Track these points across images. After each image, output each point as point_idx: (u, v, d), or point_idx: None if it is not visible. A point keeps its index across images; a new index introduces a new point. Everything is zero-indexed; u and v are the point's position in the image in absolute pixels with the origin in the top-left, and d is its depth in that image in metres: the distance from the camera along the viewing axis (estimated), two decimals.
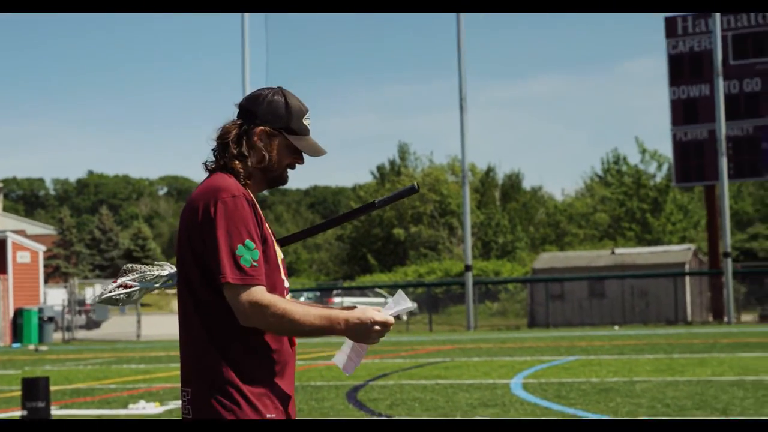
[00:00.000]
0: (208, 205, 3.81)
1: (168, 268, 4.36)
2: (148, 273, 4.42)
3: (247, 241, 3.77)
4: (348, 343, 3.97)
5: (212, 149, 3.99)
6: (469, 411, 13.10)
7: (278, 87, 4.05)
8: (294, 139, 3.97)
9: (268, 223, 4.03)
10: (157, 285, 4.40)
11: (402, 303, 3.95)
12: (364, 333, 3.82)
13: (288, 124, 3.96)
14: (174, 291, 4.40)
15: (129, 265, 4.41)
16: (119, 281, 4.38)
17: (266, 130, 3.94)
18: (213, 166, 3.97)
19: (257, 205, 3.90)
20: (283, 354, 3.93)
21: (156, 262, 4.44)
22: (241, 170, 3.90)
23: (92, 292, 53.98)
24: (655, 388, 14.99)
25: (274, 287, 3.88)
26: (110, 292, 4.37)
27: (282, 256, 4.07)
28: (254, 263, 3.77)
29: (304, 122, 4.01)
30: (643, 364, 19.38)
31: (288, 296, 4.02)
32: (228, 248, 3.75)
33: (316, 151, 4.03)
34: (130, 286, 4.36)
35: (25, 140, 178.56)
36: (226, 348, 3.82)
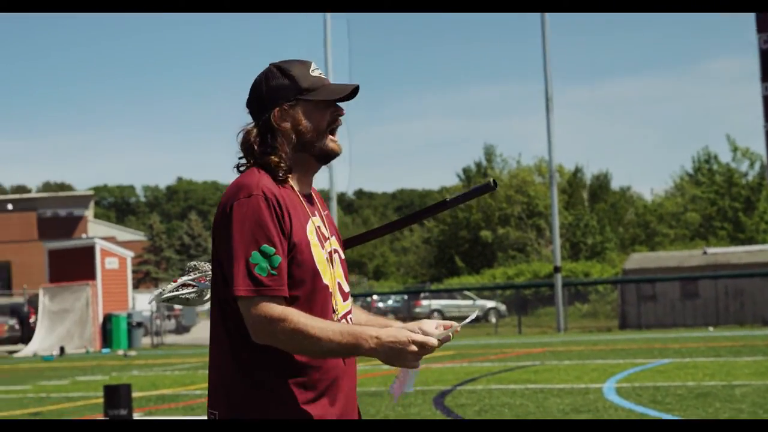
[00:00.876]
0: (225, 207, 3.42)
1: None
2: (209, 273, 4.05)
3: (265, 246, 3.34)
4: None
5: (239, 158, 3.58)
6: (561, 417, 12.64)
7: (268, 65, 3.62)
8: (313, 95, 3.52)
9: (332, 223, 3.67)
10: None
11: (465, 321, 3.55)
12: (397, 354, 3.31)
13: (298, 86, 3.52)
14: None
15: (193, 263, 4.05)
16: (180, 280, 4.03)
17: (282, 107, 3.51)
18: (245, 167, 3.55)
19: (297, 202, 3.48)
20: (330, 370, 3.46)
21: None
22: (280, 163, 3.47)
23: None
24: (756, 392, 14.39)
25: (313, 294, 3.43)
26: (172, 291, 4.03)
27: (342, 257, 3.65)
28: (272, 271, 3.33)
29: (313, 74, 3.56)
30: (741, 367, 18.73)
31: (347, 301, 3.60)
32: (242, 255, 3.33)
33: (342, 90, 3.56)
34: (192, 286, 4.01)
35: (115, 148, 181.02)
36: (255, 364, 3.39)
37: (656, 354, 23.73)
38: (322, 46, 43.20)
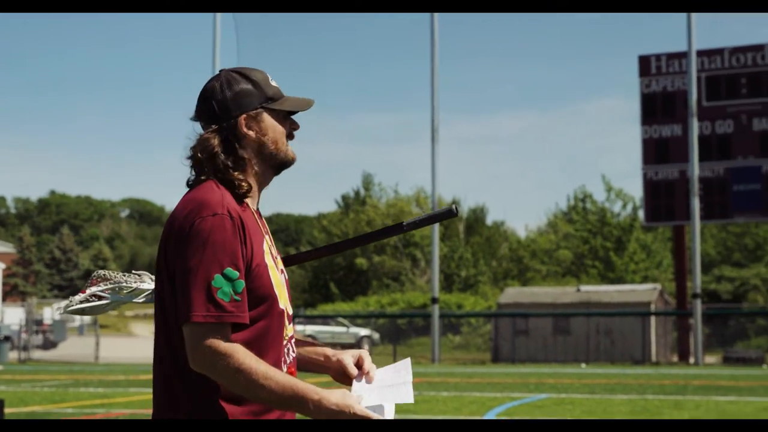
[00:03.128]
0: (185, 225, 3.13)
1: (148, 281, 3.66)
2: (125, 285, 3.76)
3: (229, 270, 3.09)
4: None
5: (192, 167, 3.30)
6: None
7: (220, 71, 3.38)
8: (278, 104, 3.34)
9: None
10: (139, 300, 3.77)
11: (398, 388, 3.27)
12: (337, 416, 3.08)
13: (264, 93, 3.32)
14: (134, 312, 3.82)
15: (102, 272, 3.68)
16: (89, 291, 3.74)
17: (249, 114, 3.29)
18: (202, 179, 3.27)
19: (253, 221, 3.25)
20: None
21: (134, 272, 3.73)
22: (244, 181, 3.25)
23: (50, 311, 53.21)
24: None
25: (271, 320, 3.22)
26: (80, 303, 3.75)
27: (286, 277, 3.43)
28: (235, 296, 3.09)
29: (273, 84, 3.38)
30: (617, 405, 18.93)
31: (290, 324, 3.37)
32: (203, 278, 3.07)
33: (306, 104, 3.40)
34: (102, 298, 3.74)
35: None
36: (198, 382, 3.16)
37: (532, 389, 23.88)
38: (210, 67, 42.82)
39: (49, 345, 49.09)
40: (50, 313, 52.64)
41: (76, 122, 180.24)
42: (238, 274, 3.11)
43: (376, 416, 3.13)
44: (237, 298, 3.10)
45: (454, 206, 3.60)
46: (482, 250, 75.77)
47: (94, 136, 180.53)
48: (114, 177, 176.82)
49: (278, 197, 3.48)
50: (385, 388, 3.30)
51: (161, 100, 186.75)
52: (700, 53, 40.89)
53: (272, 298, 3.25)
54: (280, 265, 3.42)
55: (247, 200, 3.32)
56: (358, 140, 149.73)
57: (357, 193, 79.25)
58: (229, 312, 3.09)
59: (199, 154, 3.30)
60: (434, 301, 41.19)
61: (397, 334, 48.49)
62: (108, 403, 19.81)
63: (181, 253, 3.14)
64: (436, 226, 41.55)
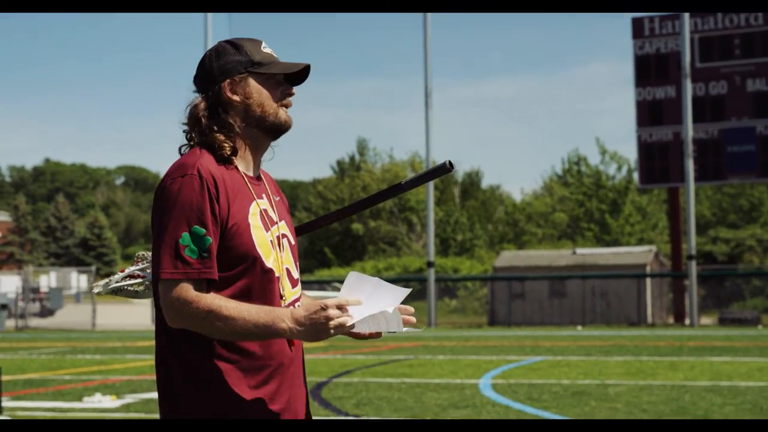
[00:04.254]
0: (159, 188, 3.30)
1: None
2: None
3: (196, 227, 3.20)
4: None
5: (184, 132, 3.42)
6: (440, 412, 12.62)
7: (217, 42, 3.49)
8: (265, 68, 3.40)
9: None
10: None
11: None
12: (316, 327, 3.16)
13: (250, 59, 3.39)
14: None
15: (141, 253, 3.85)
16: (127, 271, 3.84)
17: (233, 79, 3.37)
18: (191, 144, 3.40)
19: (240, 182, 3.33)
20: (276, 356, 3.33)
21: None
22: (225, 143, 3.32)
23: (47, 279, 53.29)
24: (629, 392, 14.59)
25: (254, 278, 3.30)
26: (118, 282, 3.84)
27: (292, 242, 3.51)
28: (203, 253, 3.19)
29: (264, 50, 3.44)
30: (612, 367, 19.01)
31: (296, 288, 3.47)
32: (172, 236, 3.20)
33: (294, 66, 3.44)
34: (140, 276, 3.82)
35: None
36: (195, 350, 3.26)
37: (528, 351, 23.96)
38: (202, 35, 42.67)
39: (46, 312, 49.14)
40: (47, 280, 52.74)
41: (70, 90, 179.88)
42: (204, 231, 3.22)
43: (342, 299, 3.24)
44: (204, 254, 3.21)
45: (448, 161, 3.67)
46: (478, 213, 75.83)
47: (88, 103, 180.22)
48: (109, 144, 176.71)
49: (272, 163, 3.55)
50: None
51: (156, 67, 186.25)
52: (693, 14, 40.78)
53: (253, 257, 3.31)
54: (281, 231, 3.47)
55: (238, 163, 3.39)
56: (353, 106, 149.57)
57: (352, 158, 79.20)
58: (196, 269, 3.20)
59: (186, 120, 3.42)
60: (430, 265, 41.25)
61: None
62: (105, 370, 19.87)
63: (154, 214, 3.29)
64: (431, 191, 41.55)
